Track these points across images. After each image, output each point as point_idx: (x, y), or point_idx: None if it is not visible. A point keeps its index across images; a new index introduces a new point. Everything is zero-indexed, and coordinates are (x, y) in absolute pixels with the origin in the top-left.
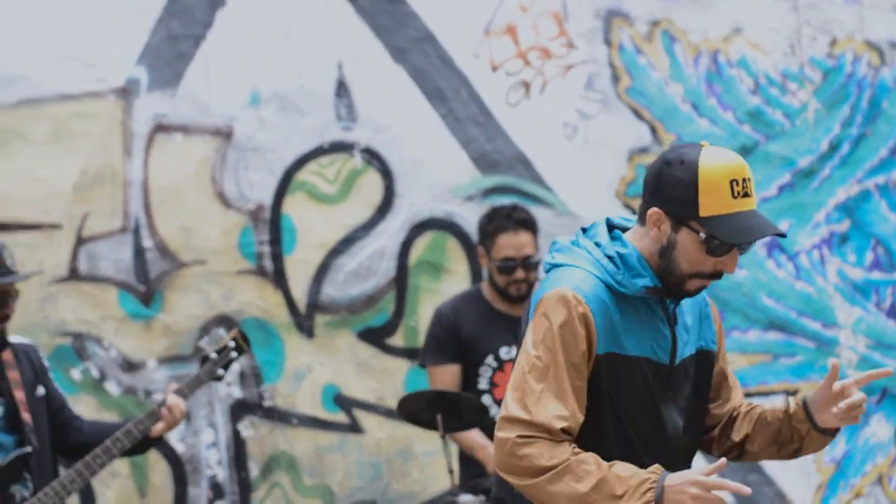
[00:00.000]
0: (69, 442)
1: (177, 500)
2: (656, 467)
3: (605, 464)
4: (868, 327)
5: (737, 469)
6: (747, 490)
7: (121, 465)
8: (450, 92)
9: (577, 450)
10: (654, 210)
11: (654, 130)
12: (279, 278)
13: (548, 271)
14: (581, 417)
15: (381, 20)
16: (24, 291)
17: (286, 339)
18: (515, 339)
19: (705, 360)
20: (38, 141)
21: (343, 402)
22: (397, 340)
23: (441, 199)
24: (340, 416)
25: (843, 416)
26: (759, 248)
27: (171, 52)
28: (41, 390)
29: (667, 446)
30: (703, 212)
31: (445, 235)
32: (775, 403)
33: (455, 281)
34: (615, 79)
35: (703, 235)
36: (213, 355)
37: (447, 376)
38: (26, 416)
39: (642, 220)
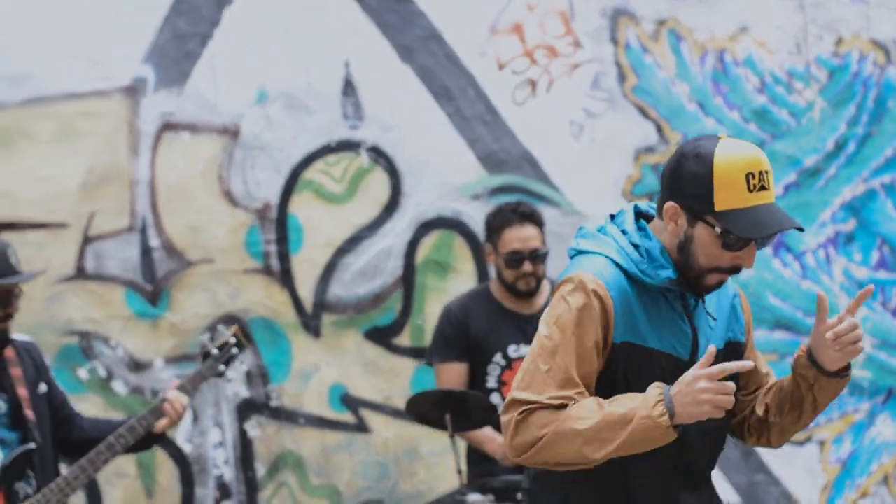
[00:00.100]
0: (71, 439)
1: (184, 499)
2: (658, 384)
3: (603, 401)
4: (874, 326)
5: (742, 469)
6: (749, 364)
7: (128, 466)
8: (456, 91)
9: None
10: (670, 204)
11: (660, 129)
12: (286, 277)
13: (572, 257)
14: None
15: (388, 19)
16: (31, 290)
17: (293, 338)
18: (524, 337)
19: (733, 351)
20: (45, 140)
21: (350, 401)
22: (404, 340)
23: (448, 198)
24: (347, 416)
25: (841, 349)
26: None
27: (177, 50)
28: (43, 387)
29: (683, 439)
30: (719, 206)
31: (452, 234)
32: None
33: (462, 280)
34: (621, 78)
35: (718, 230)
36: (215, 351)
37: (454, 375)
38: (29, 412)
39: (660, 214)
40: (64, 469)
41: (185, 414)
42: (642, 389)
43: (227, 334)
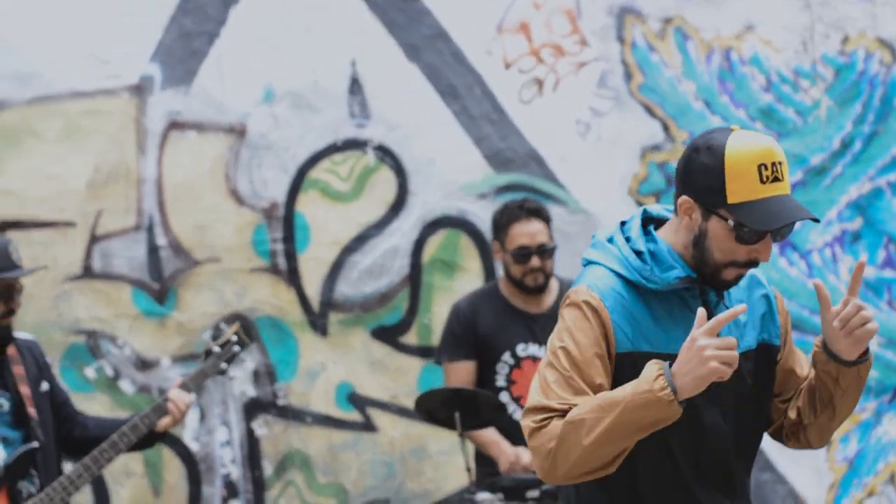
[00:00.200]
0: (73, 437)
1: (191, 498)
2: (656, 360)
3: (595, 396)
4: (881, 326)
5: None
6: (742, 307)
7: (135, 464)
8: (463, 89)
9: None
10: (684, 198)
11: (666, 128)
12: (293, 276)
13: (584, 266)
14: None
15: (395, 17)
16: (38, 289)
17: (300, 337)
18: (532, 335)
19: (766, 354)
20: (52, 138)
21: (357, 400)
22: (411, 338)
23: (454, 197)
24: (354, 415)
25: (851, 334)
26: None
27: (184, 49)
28: (45, 386)
29: (707, 445)
30: (732, 198)
31: (459, 233)
32: None
33: (468, 279)
34: (628, 76)
35: (731, 223)
36: (217, 349)
37: (462, 373)
38: (32, 411)
39: (677, 210)
40: (67, 467)
41: (187, 412)
42: None
43: (229, 332)
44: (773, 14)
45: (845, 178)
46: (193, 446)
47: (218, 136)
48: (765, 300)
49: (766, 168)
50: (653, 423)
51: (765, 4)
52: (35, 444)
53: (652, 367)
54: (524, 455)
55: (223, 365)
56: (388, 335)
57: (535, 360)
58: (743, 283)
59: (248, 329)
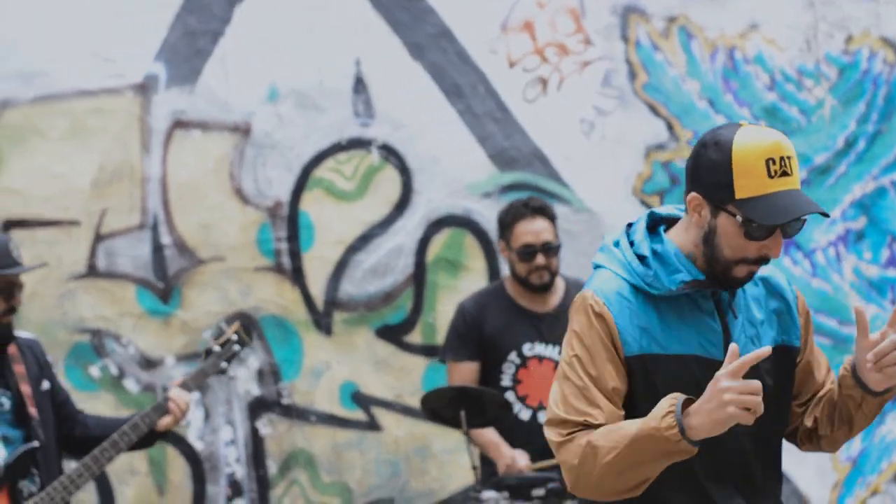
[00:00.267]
0: (74, 436)
1: (195, 497)
2: (672, 395)
3: (617, 424)
4: (884, 324)
5: None
6: (767, 350)
7: (139, 463)
8: (467, 88)
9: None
10: (692, 195)
11: (670, 127)
12: (297, 275)
13: (594, 270)
14: (618, 412)
15: (399, 16)
16: (43, 288)
17: (304, 336)
18: (539, 335)
19: (785, 356)
20: (56, 137)
21: (361, 399)
22: (415, 338)
23: (458, 196)
24: (358, 414)
25: (881, 370)
26: None
27: (188, 48)
28: (46, 384)
29: (724, 447)
30: (739, 194)
31: (463, 232)
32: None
33: (473, 278)
34: (632, 75)
35: (740, 219)
36: (217, 348)
37: (465, 373)
38: (32, 410)
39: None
40: (68, 467)
41: (188, 411)
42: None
43: (229, 331)
44: (776, 13)
45: (849, 178)
46: (198, 445)
47: (222, 135)
48: (784, 300)
49: (774, 162)
50: (664, 456)
51: (769, 3)
52: (36, 443)
53: (664, 403)
54: (521, 458)
55: (223, 364)
56: (393, 334)
57: (541, 359)
58: (762, 282)
59: (252, 328)
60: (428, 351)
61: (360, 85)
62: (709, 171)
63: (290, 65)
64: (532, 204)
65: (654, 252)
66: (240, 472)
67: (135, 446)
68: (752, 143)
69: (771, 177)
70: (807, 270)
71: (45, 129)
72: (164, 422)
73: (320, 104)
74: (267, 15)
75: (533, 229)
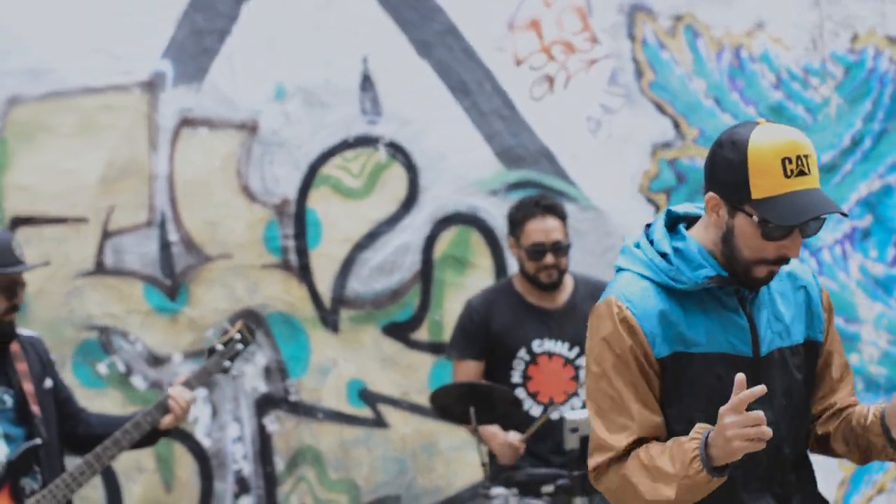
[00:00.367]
0: (76, 434)
1: (203, 494)
2: (699, 426)
3: (657, 455)
4: (890, 323)
5: None
6: (761, 389)
7: (147, 460)
8: (474, 86)
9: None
10: (710, 195)
11: (676, 125)
12: (304, 272)
13: (616, 273)
14: (654, 417)
15: (406, 14)
16: (50, 285)
17: (311, 333)
18: (548, 331)
19: (812, 351)
20: (64, 134)
21: (368, 396)
22: (422, 335)
23: (465, 194)
24: (365, 411)
25: None
26: None
27: (196, 46)
28: (49, 382)
29: (759, 452)
30: (756, 194)
31: (470, 230)
32: (868, 406)
33: (479, 275)
34: (638, 73)
35: (756, 219)
36: (220, 347)
37: (470, 372)
38: (35, 408)
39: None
40: (70, 464)
41: (189, 409)
42: (702, 397)
43: (233, 330)
44: (782, 12)
45: (855, 176)
46: (205, 442)
47: (229, 132)
48: (808, 294)
49: (791, 161)
50: (702, 492)
51: (775, 2)
52: (38, 440)
53: (689, 446)
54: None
55: (226, 363)
56: (400, 332)
57: (550, 355)
58: (787, 276)
59: (259, 325)
60: (435, 348)
61: (367, 82)
62: (725, 170)
63: (297, 62)
64: (543, 202)
65: (676, 249)
66: (247, 468)
67: (138, 444)
68: (768, 141)
69: (787, 176)
70: (813, 268)
71: (52, 126)
72: (166, 420)
73: (327, 102)
74: (274, 13)
75: (543, 228)
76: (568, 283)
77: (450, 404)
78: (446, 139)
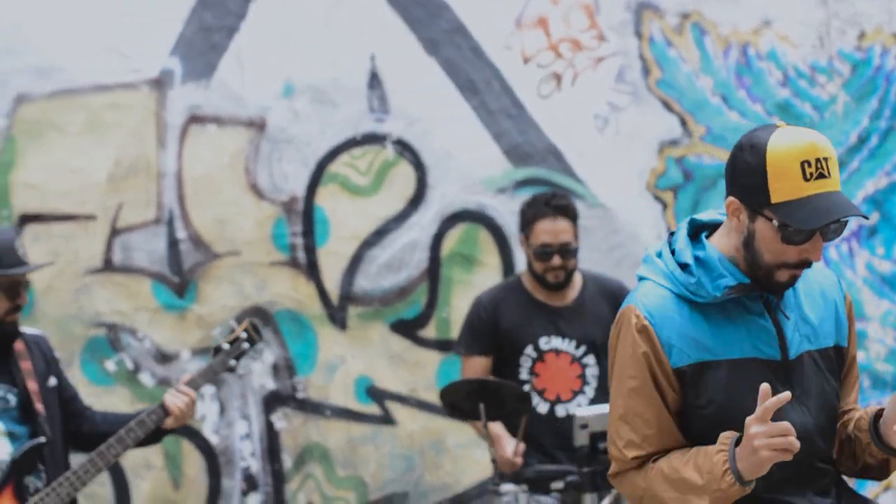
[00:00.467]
0: (82, 432)
1: (210, 491)
2: (724, 435)
3: (680, 464)
4: (895, 318)
5: None
6: (786, 396)
7: (155, 457)
8: (482, 84)
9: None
10: (731, 199)
11: (683, 123)
12: (312, 270)
13: (638, 282)
14: (668, 434)
15: (414, 12)
16: (59, 282)
17: (319, 330)
18: (556, 328)
19: (840, 356)
20: (73, 132)
21: (376, 393)
22: (430, 332)
23: (473, 191)
24: (373, 408)
25: None
26: None
27: (204, 43)
28: (53, 381)
29: (794, 459)
30: (775, 198)
31: (477, 227)
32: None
33: (487, 273)
34: (646, 71)
35: (776, 223)
36: (226, 346)
37: (478, 368)
38: (39, 406)
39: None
40: (75, 462)
41: (188, 411)
42: (731, 405)
43: (239, 329)
44: (789, 9)
45: (861, 173)
46: (213, 439)
47: (238, 129)
48: (833, 300)
49: (810, 165)
50: (730, 502)
51: (781, 0)
52: (42, 439)
53: (719, 459)
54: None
55: (232, 362)
56: (407, 329)
57: (558, 353)
58: (813, 279)
59: (267, 322)
60: (442, 345)
61: (374, 80)
62: (744, 174)
63: (306, 60)
64: (554, 203)
65: (697, 259)
66: (255, 466)
67: (143, 442)
68: (786, 145)
69: (807, 179)
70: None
71: (61, 123)
72: (168, 421)
73: (335, 99)
74: (282, 10)
75: (553, 229)
76: (577, 280)
77: (459, 401)
78: (454, 137)
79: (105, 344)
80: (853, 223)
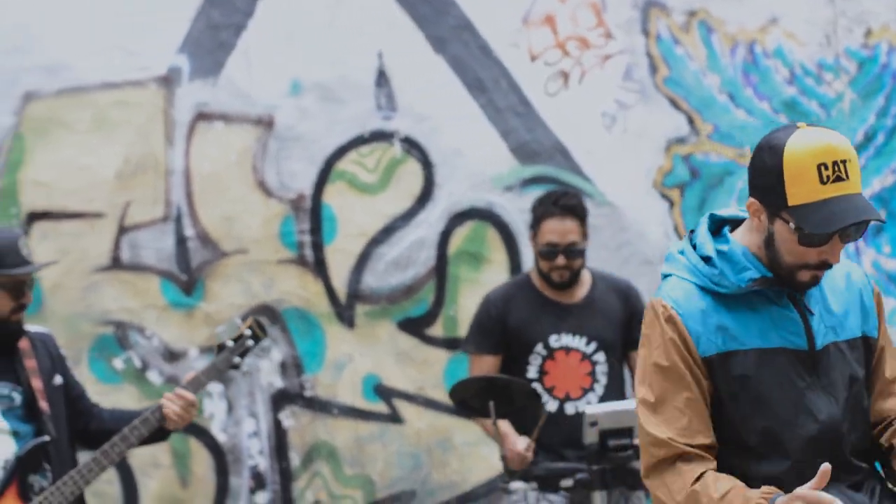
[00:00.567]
0: (89, 430)
1: (218, 489)
2: (767, 490)
3: (710, 497)
4: None
5: None
6: (827, 468)
7: (163, 456)
8: (489, 82)
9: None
10: (751, 200)
11: (691, 121)
12: (320, 268)
13: (663, 280)
14: (698, 426)
15: (421, 10)
16: (67, 280)
17: (327, 328)
18: (565, 326)
19: (868, 347)
20: (81, 129)
21: (383, 391)
22: (437, 330)
23: (480, 189)
24: (381, 406)
25: None
26: None
27: (212, 41)
28: (59, 379)
29: (823, 439)
30: (792, 200)
31: (485, 225)
32: None
33: (494, 271)
34: (653, 69)
35: (793, 226)
36: (230, 343)
37: (486, 366)
38: (44, 404)
39: None
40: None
41: (185, 415)
42: (761, 396)
43: (243, 327)
44: (796, 8)
45: (868, 171)
46: (221, 437)
47: (245, 127)
48: (859, 291)
49: (827, 168)
50: None
51: None
52: (46, 437)
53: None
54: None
55: (236, 360)
56: (415, 327)
57: (567, 350)
58: (838, 272)
59: (275, 320)
60: (450, 344)
61: (382, 78)
62: (763, 176)
63: (313, 58)
64: (563, 202)
65: (720, 252)
66: (263, 464)
67: (148, 440)
68: (803, 147)
69: (823, 182)
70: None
71: (69, 121)
72: (167, 425)
73: (343, 97)
74: (290, 8)
75: (559, 229)
76: (586, 279)
77: (469, 398)
78: (461, 135)
79: (113, 342)
80: None
